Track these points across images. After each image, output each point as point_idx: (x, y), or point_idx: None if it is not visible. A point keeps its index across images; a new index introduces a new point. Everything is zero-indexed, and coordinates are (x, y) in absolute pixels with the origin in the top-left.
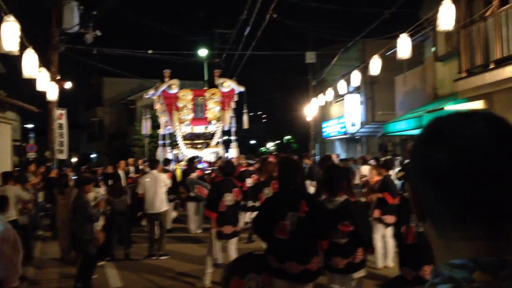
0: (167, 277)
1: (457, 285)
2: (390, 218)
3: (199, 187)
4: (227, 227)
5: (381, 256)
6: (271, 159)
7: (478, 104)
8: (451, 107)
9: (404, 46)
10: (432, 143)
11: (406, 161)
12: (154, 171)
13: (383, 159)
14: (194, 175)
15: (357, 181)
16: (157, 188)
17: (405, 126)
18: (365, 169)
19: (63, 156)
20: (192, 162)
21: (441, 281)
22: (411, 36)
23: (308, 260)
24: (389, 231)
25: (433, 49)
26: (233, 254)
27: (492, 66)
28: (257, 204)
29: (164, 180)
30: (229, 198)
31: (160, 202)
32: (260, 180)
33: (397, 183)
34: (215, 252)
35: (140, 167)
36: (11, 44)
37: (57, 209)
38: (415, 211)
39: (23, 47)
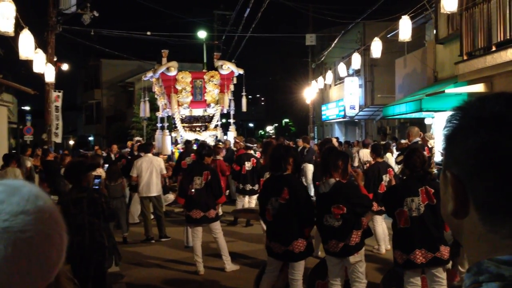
0: (165, 262)
1: (507, 283)
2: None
3: None
4: (195, 212)
5: (382, 242)
6: (274, 143)
7: (478, 88)
8: (451, 90)
9: (405, 28)
10: (495, 128)
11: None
12: (149, 154)
13: (383, 142)
14: (188, 159)
15: (356, 164)
16: (152, 171)
17: (405, 109)
18: (363, 153)
19: (58, 140)
20: (188, 145)
21: (488, 279)
22: (412, 18)
23: (289, 243)
24: (378, 217)
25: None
26: (218, 239)
27: (493, 48)
28: (256, 187)
29: (161, 165)
30: (198, 182)
31: (155, 186)
32: (261, 164)
33: (397, 167)
34: (185, 236)
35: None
36: (7, 25)
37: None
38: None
39: (19, 28)
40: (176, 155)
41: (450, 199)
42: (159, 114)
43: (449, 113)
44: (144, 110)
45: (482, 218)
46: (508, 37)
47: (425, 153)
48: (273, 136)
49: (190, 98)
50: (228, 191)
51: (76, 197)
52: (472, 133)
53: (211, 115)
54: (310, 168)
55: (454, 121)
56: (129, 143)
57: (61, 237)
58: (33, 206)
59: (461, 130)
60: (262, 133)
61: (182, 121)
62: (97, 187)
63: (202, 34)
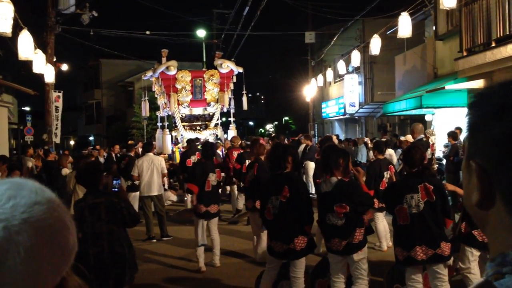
0: (166, 260)
1: None
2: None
3: None
4: (213, 206)
5: (384, 239)
6: (261, 141)
7: (478, 84)
8: (451, 86)
9: (404, 25)
10: None
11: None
12: (150, 154)
13: (383, 139)
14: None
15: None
16: (153, 170)
17: (405, 106)
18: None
19: (56, 140)
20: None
21: (511, 271)
22: (411, 14)
23: (291, 241)
24: (379, 214)
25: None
26: (215, 234)
27: (493, 44)
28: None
29: (162, 164)
30: (213, 178)
31: (156, 185)
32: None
33: (398, 163)
34: (201, 234)
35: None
36: (5, 25)
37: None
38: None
39: (18, 29)
40: (177, 154)
41: (475, 189)
42: (160, 113)
43: (470, 99)
44: (144, 109)
45: (509, 210)
46: (507, 33)
47: (429, 150)
48: (273, 135)
49: (190, 97)
50: (228, 188)
51: (93, 203)
52: (497, 121)
53: (211, 113)
54: (311, 166)
55: (477, 108)
56: (129, 143)
57: (72, 223)
58: (42, 196)
59: (484, 118)
60: (262, 131)
61: (182, 120)
62: (116, 189)
63: (201, 33)
